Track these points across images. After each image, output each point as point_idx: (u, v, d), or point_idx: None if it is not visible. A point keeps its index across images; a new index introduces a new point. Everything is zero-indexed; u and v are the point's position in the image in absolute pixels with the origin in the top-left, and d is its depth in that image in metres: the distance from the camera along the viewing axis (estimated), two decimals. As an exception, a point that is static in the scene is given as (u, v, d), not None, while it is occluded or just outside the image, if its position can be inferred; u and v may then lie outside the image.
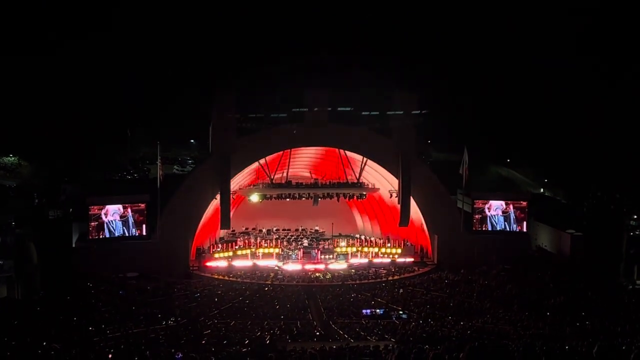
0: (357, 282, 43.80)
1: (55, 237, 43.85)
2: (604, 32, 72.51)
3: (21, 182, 67.33)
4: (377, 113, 47.91)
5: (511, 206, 48.57)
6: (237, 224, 50.65)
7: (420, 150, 60.47)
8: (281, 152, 47.34)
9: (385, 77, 53.64)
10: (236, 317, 33.31)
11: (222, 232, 50.22)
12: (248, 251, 47.93)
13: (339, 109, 47.01)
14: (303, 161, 52.11)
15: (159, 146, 46.37)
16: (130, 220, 44.56)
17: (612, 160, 68.80)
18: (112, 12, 74.39)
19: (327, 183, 49.59)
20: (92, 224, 43.40)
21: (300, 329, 31.52)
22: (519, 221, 48.46)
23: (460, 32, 76.67)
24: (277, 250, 48.39)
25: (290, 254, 48.16)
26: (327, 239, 51.60)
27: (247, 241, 48.87)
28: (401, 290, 40.52)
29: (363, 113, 47.83)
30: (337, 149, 48.08)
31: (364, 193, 49.54)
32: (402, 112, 46.56)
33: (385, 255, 48.79)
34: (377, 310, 35.85)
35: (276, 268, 46.45)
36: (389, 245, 49.65)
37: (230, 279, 43.94)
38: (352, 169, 48.46)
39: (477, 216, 48.60)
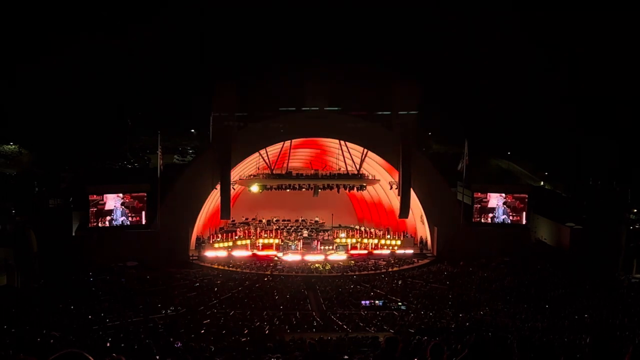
0: (357, 273, 43.83)
1: (55, 226, 43.83)
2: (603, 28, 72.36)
3: (21, 170, 67.32)
4: (383, 114, 47.91)
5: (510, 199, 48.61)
6: (237, 214, 50.66)
7: (421, 142, 60.38)
8: (282, 143, 47.29)
9: (387, 75, 53.33)
10: (235, 307, 33.38)
11: (221, 222, 50.31)
12: (248, 241, 47.96)
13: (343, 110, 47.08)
14: (303, 153, 52.15)
15: (159, 135, 46.30)
16: (129, 210, 44.61)
17: (612, 154, 68.75)
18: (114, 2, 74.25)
19: (328, 174, 49.57)
20: (92, 209, 43.50)
21: (300, 320, 31.59)
22: (518, 214, 48.46)
23: (461, 26, 76.51)
24: (277, 240, 48.42)
25: (290, 244, 48.18)
26: (327, 230, 51.62)
27: (247, 231, 48.92)
28: (400, 282, 40.59)
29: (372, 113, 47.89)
30: (338, 140, 48.05)
31: (364, 184, 49.51)
32: (406, 112, 46.44)
33: (385, 247, 48.84)
34: (376, 302, 35.93)
35: (276, 258, 46.50)
36: (388, 236, 49.68)
37: (230, 268, 44.01)
38: (352, 160, 48.39)
39: (476, 205, 48.58)
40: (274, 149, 47.78)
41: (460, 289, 38.68)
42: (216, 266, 44.63)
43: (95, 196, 43.83)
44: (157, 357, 14.79)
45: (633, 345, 6.53)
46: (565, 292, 36.13)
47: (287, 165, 49.20)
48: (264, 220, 52.02)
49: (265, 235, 48.75)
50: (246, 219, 51.80)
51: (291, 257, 46.59)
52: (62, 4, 71.81)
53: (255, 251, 47.27)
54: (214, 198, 47.12)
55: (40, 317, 25.80)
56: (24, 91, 68.56)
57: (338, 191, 49.45)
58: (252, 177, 49.04)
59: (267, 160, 47.33)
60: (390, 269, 44.75)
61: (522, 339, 7.29)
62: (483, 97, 74.12)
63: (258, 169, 49.18)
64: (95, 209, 43.77)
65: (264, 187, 47.78)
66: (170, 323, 27.74)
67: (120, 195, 44.43)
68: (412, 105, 47.09)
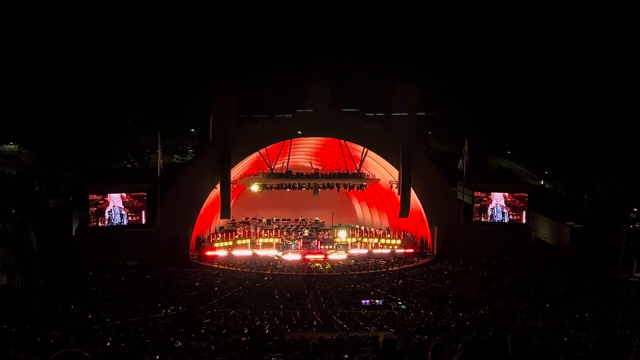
0: (357, 272, 43.82)
1: (55, 225, 43.85)
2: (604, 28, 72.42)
3: (21, 170, 67.32)
4: (382, 114, 47.99)
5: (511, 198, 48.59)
6: (237, 213, 50.64)
7: (421, 142, 60.35)
8: (281, 142, 47.25)
9: (387, 74, 53.35)
10: (236, 307, 33.34)
11: (222, 222, 50.27)
12: (248, 241, 47.93)
13: (343, 110, 47.02)
14: (303, 151, 52.04)
15: (159, 135, 46.30)
16: (129, 209, 44.60)
17: (612, 153, 68.76)
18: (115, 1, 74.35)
19: (328, 173, 49.52)
20: (92, 209, 43.50)
21: (300, 319, 31.58)
22: (518, 213, 48.40)
23: (462, 27, 76.60)
24: (277, 240, 48.40)
25: (290, 244, 48.14)
26: (327, 229, 51.58)
27: (247, 231, 48.89)
28: (400, 281, 40.58)
29: (368, 114, 47.93)
30: (337, 139, 47.98)
31: (364, 184, 49.47)
32: (406, 114, 46.45)
33: (385, 246, 48.80)
34: (377, 301, 35.90)
35: (276, 258, 46.48)
36: (388, 236, 49.64)
37: (230, 268, 43.99)
38: (352, 160, 48.35)
39: (476, 204, 48.54)
40: (273, 148, 47.71)
41: (460, 288, 38.66)
42: (216, 265, 44.63)
43: (95, 196, 43.82)
44: (157, 357, 14.78)
45: (637, 345, 6.49)
46: (566, 291, 36.11)
47: (287, 164, 49.15)
48: (264, 220, 51.98)
49: (266, 234, 48.74)
50: (246, 218, 51.77)
51: (291, 257, 46.57)
52: (62, 3, 71.88)
53: (255, 250, 47.23)
54: (210, 197, 47.06)
55: (40, 317, 25.77)
56: (24, 91, 68.58)
57: (338, 190, 49.43)
58: (252, 176, 49.00)
59: (267, 160, 47.27)
60: (390, 268, 44.74)
61: (518, 342, 7.26)
62: (483, 97, 74.18)
63: (258, 168, 49.11)
64: (95, 209, 43.75)
65: (263, 187, 47.75)
66: (171, 322, 27.74)
67: (123, 195, 44.43)
68: (412, 105, 47.07)
